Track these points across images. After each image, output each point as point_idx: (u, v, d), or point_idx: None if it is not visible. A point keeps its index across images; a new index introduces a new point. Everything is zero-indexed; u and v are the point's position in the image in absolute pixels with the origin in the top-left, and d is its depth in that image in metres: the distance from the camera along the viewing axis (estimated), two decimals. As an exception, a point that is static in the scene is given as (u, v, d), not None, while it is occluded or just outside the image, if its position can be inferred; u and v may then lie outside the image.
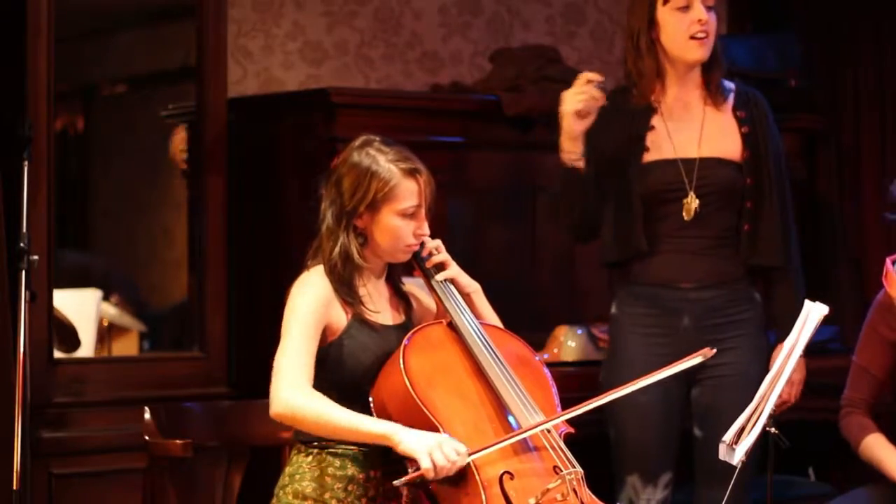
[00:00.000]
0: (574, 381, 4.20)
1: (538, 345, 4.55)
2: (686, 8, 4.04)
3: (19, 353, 3.93)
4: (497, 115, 5.04)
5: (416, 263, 3.52)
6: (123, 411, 4.38)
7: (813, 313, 3.38)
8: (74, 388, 4.46)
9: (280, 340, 3.35)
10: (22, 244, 3.97)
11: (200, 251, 4.72)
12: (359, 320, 3.39)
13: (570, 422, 3.40)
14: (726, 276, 4.11)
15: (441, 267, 3.51)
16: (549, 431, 3.35)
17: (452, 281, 3.52)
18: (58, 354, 4.49)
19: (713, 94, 4.13)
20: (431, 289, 3.52)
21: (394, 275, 3.54)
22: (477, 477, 3.21)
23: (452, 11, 5.63)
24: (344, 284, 3.39)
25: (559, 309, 5.07)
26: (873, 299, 4.05)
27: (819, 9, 5.83)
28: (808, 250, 4.30)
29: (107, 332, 4.94)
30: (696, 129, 4.11)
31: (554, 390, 3.48)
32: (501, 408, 3.35)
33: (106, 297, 4.90)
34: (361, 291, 3.42)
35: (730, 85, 4.18)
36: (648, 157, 4.10)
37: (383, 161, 3.39)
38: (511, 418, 3.34)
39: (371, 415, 3.32)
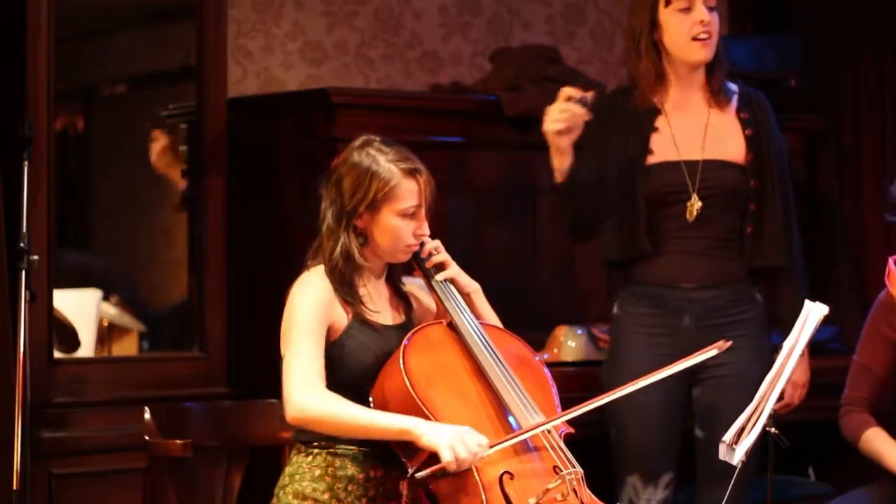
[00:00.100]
0: (574, 381, 4.20)
1: (538, 345, 4.55)
2: (688, 9, 4.04)
3: (19, 353, 3.93)
4: (497, 115, 5.04)
5: (416, 263, 3.52)
6: (123, 411, 4.38)
7: (813, 313, 3.38)
8: (74, 388, 4.46)
9: (281, 341, 3.36)
10: (22, 244, 3.97)
11: (200, 251, 4.72)
12: (359, 320, 3.39)
13: (570, 422, 3.40)
14: (728, 276, 4.11)
15: (441, 267, 3.51)
16: (549, 431, 3.35)
17: (452, 281, 3.52)
18: (58, 354, 4.49)
19: (716, 95, 4.13)
20: (431, 289, 3.52)
21: (393, 275, 3.54)
22: (477, 477, 3.21)
23: (452, 11, 5.63)
24: (344, 284, 3.39)
25: (559, 309, 5.07)
26: (873, 299, 4.05)
27: (820, 9, 5.83)
28: (808, 250, 4.31)
29: (107, 332, 4.94)
30: (699, 131, 4.12)
31: (554, 390, 3.48)
32: (501, 408, 3.35)
33: (106, 297, 4.90)
34: (362, 291, 3.42)
35: (733, 87, 4.18)
36: (652, 159, 4.10)
37: (383, 161, 3.39)
38: (511, 418, 3.34)
39: (371, 415, 3.32)
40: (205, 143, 4.72)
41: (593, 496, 3.33)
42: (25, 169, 4.04)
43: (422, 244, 3.48)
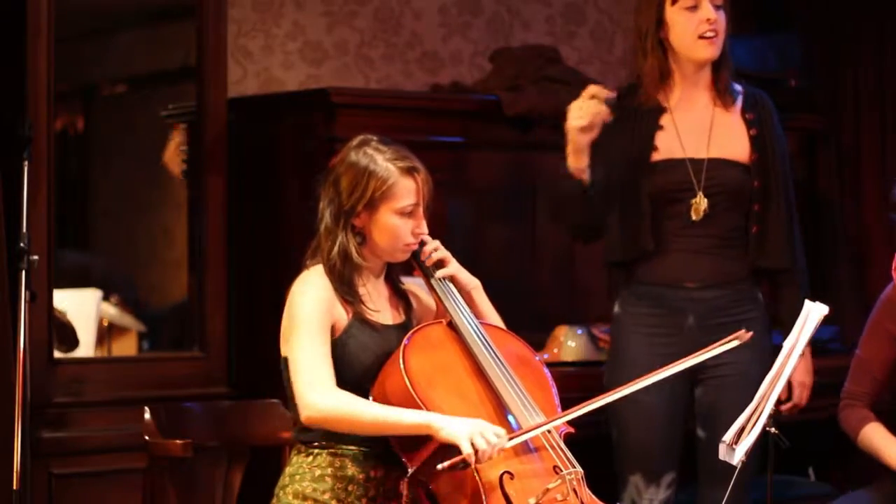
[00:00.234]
0: (574, 381, 4.20)
1: (538, 345, 4.55)
2: (694, 7, 4.04)
3: (19, 353, 3.93)
4: (497, 115, 5.04)
5: (416, 263, 3.52)
6: (123, 411, 4.38)
7: (813, 313, 3.38)
8: (74, 388, 4.46)
9: (282, 341, 3.36)
10: (22, 244, 3.97)
11: (200, 251, 4.72)
12: (359, 320, 3.39)
13: (570, 422, 3.40)
14: (730, 276, 4.12)
15: (441, 264, 3.51)
16: (549, 431, 3.35)
17: (452, 278, 3.52)
18: (58, 354, 4.49)
19: (722, 94, 4.14)
20: (431, 288, 3.52)
21: (392, 274, 3.53)
22: (477, 477, 3.21)
23: (452, 11, 5.63)
24: (344, 284, 3.39)
25: (559, 309, 5.07)
26: (874, 299, 4.05)
27: (820, 9, 5.83)
28: (808, 250, 4.31)
29: (107, 332, 4.94)
30: (704, 130, 4.12)
31: (554, 390, 3.48)
32: (501, 408, 3.35)
33: (106, 297, 4.90)
34: (361, 291, 3.42)
35: (737, 87, 4.19)
36: (657, 157, 4.11)
37: (381, 160, 3.39)
38: (511, 418, 3.34)
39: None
40: (205, 143, 4.72)
41: (593, 496, 3.33)
42: (25, 169, 4.04)
43: (422, 243, 3.48)
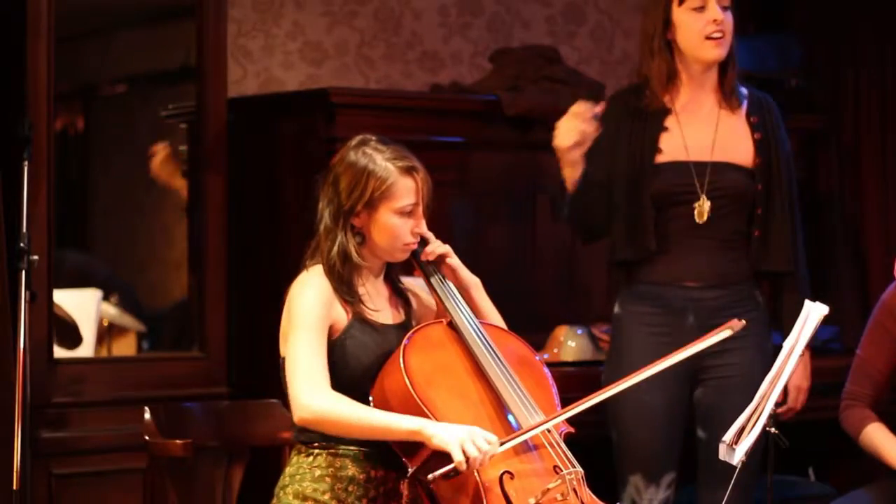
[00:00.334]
0: (574, 381, 4.20)
1: (538, 345, 4.54)
2: (702, 8, 4.05)
3: (19, 353, 3.93)
4: (497, 115, 5.04)
5: (416, 262, 3.51)
6: (123, 411, 4.38)
7: (813, 313, 3.38)
8: (74, 388, 4.46)
9: (281, 341, 3.36)
10: (22, 244, 3.97)
11: (200, 251, 4.72)
12: (359, 319, 3.39)
13: (570, 422, 3.40)
14: (731, 277, 4.12)
15: (441, 259, 3.51)
16: (549, 431, 3.35)
17: (453, 272, 3.52)
18: (58, 354, 4.48)
19: (728, 97, 4.14)
20: (431, 288, 3.52)
21: (392, 273, 3.53)
22: (477, 477, 3.21)
23: (452, 11, 5.63)
24: (343, 283, 3.39)
25: (559, 309, 5.07)
26: (874, 299, 4.05)
27: (820, 9, 5.83)
28: (808, 250, 4.31)
29: (107, 332, 4.94)
30: (709, 133, 4.12)
31: (554, 390, 3.48)
32: (501, 407, 3.35)
33: (106, 297, 4.90)
34: (361, 290, 3.42)
35: (742, 90, 4.19)
36: (661, 158, 4.11)
37: (380, 160, 3.39)
38: (511, 418, 3.33)
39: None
40: (205, 143, 4.72)
41: (593, 496, 3.33)
42: (25, 169, 4.04)
43: (422, 243, 3.48)
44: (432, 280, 3.50)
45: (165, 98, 5.05)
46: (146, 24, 5.07)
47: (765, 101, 4.22)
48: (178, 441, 3.68)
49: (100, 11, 5.00)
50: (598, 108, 3.97)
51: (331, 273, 3.38)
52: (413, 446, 3.25)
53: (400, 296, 3.54)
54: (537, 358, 3.56)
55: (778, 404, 3.42)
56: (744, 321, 3.44)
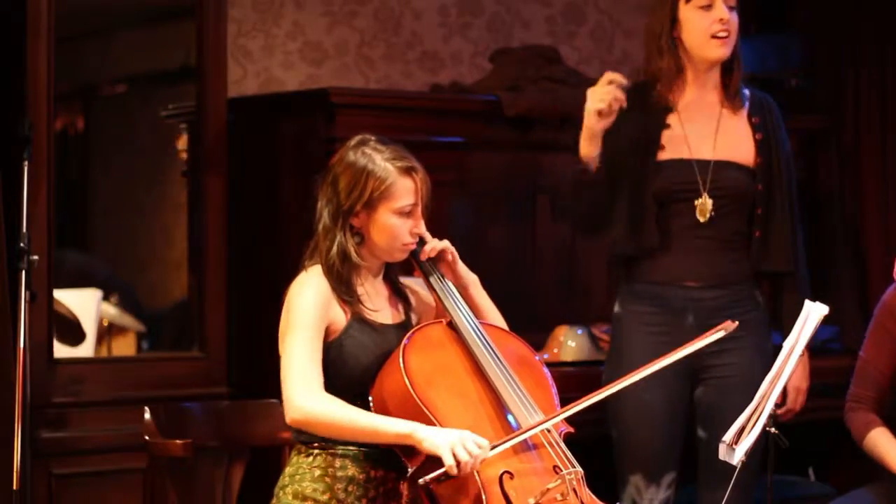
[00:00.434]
0: (574, 381, 4.20)
1: (538, 345, 4.55)
2: (708, 7, 4.06)
3: (19, 353, 3.93)
4: (497, 115, 5.03)
5: (415, 262, 3.51)
6: (123, 411, 4.38)
7: (813, 313, 3.38)
8: (74, 388, 4.46)
9: (280, 341, 3.35)
10: (22, 244, 3.97)
11: (200, 251, 4.72)
12: (358, 320, 3.39)
13: (570, 422, 3.39)
14: (731, 277, 4.12)
15: (441, 256, 3.51)
16: (548, 431, 3.35)
17: (451, 269, 3.52)
18: (58, 354, 4.48)
19: (731, 96, 4.15)
20: (431, 288, 3.52)
21: (391, 273, 3.53)
22: (477, 476, 3.21)
23: (452, 11, 5.63)
24: (342, 283, 3.39)
25: (559, 309, 5.07)
26: (874, 298, 4.05)
27: (820, 9, 5.82)
28: (808, 250, 4.31)
29: (107, 332, 4.94)
30: (711, 131, 4.13)
31: (554, 390, 3.48)
32: (501, 407, 3.35)
33: (106, 297, 4.90)
34: (360, 290, 3.42)
35: (745, 91, 4.20)
36: (663, 156, 4.12)
37: (379, 160, 3.39)
38: (510, 418, 3.33)
39: (371, 414, 3.32)
40: (205, 143, 4.72)
41: (593, 496, 3.33)
42: (25, 169, 4.04)
43: (421, 243, 3.48)
44: (431, 279, 3.50)
45: (165, 98, 5.05)
46: (146, 24, 5.07)
47: (766, 101, 4.23)
48: (178, 441, 3.68)
49: (100, 11, 5.00)
50: (627, 81, 3.97)
51: (329, 273, 3.38)
52: (413, 447, 3.25)
53: (399, 295, 3.54)
54: (537, 358, 3.56)
55: (777, 405, 3.42)
56: (736, 323, 3.43)
